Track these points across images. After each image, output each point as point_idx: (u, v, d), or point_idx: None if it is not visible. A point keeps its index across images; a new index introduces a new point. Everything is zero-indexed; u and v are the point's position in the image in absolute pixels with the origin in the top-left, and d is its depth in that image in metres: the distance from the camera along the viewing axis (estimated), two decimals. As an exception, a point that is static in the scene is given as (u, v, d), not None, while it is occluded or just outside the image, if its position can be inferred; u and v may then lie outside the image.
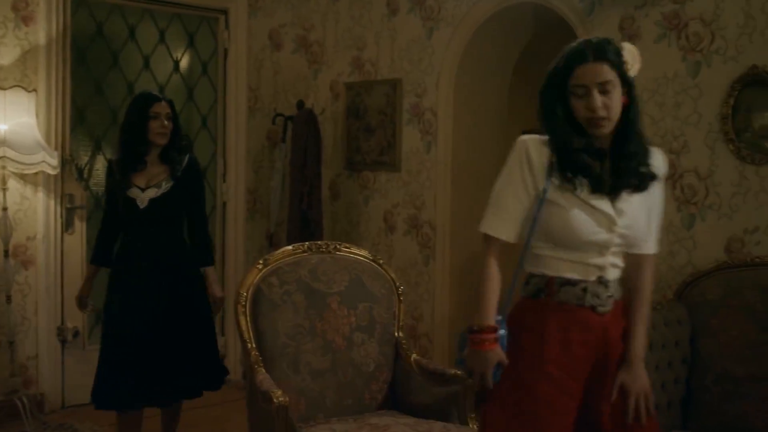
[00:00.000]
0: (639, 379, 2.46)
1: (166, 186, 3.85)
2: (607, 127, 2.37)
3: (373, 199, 5.66)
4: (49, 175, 4.86)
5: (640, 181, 2.41)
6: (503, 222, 2.59)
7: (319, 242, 3.79)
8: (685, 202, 4.07)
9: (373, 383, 3.62)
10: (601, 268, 2.41)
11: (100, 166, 5.31)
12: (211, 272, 4.06)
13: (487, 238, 2.64)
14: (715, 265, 3.60)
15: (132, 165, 3.85)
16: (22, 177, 4.82)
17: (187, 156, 3.97)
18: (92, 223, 5.14)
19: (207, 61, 5.78)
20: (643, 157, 2.42)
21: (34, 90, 4.82)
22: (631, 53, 2.35)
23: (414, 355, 3.66)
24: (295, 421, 3.28)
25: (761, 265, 3.45)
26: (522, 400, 2.41)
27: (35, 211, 4.93)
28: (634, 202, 2.42)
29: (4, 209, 4.62)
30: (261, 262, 3.61)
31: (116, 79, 5.38)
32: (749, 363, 3.20)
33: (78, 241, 5.15)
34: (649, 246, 2.52)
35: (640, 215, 2.44)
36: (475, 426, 3.38)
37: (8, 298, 4.71)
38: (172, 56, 5.63)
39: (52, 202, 4.98)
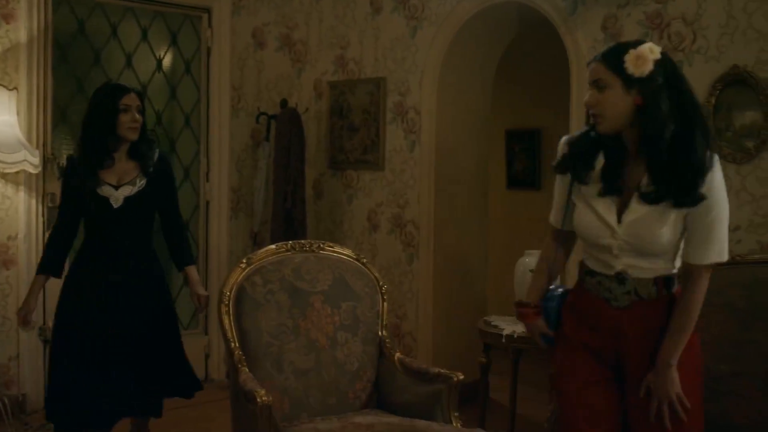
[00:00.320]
0: (663, 384, 2.45)
1: (140, 183, 3.60)
2: (603, 125, 2.44)
3: (356, 198, 5.66)
4: (30, 174, 4.82)
5: (679, 200, 2.39)
6: (553, 210, 2.75)
7: (302, 241, 3.78)
8: (667, 201, 4.09)
9: (356, 382, 3.61)
10: (615, 266, 2.49)
11: (82, 165, 5.28)
12: (193, 271, 3.86)
13: (549, 224, 2.80)
14: (697, 264, 3.61)
15: (99, 161, 3.55)
16: (3, 176, 4.79)
17: (157, 151, 3.71)
18: (74, 223, 5.11)
19: (190, 60, 5.75)
20: (694, 178, 2.36)
21: (15, 88, 4.78)
22: (633, 56, 2.38)
23: (398, 354, 3.66)
24: (279, 421, 3.27)
25: (742, 263, 3.47)
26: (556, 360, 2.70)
27: (17, 210, 4.89)
28: (645, 211, 2.43)
29: (-15, 208, 4.59)
30: (244, 261, 3.60)
31: (98, 78, 5.33)
32: (731, 361, 3.21)
33: (60, 241, 5.11)
34: (695, 254, 2.46)
35: (652, 225, 2.43)
36: (458, 424, 3.39)
37: (-11, 298, 4.67)
38: (154, 55, 5.61)
39: (33, 201, 4.94)
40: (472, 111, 5.47)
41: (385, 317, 3.77)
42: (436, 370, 3.48)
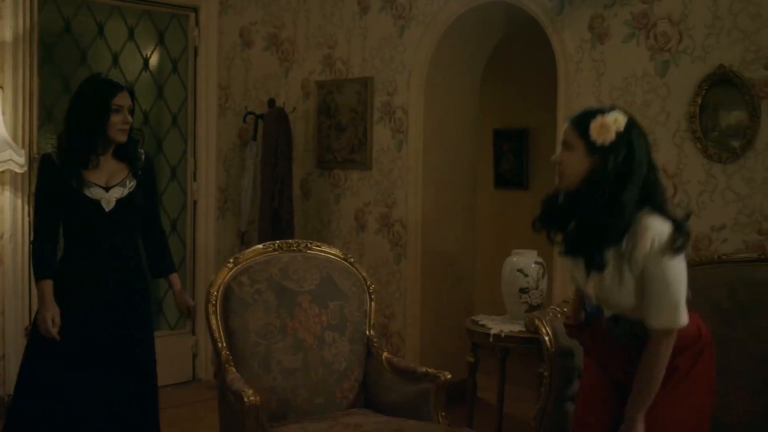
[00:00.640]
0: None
1: (130, 185, 3.34)
2: (563, 183, 2.64)
3: (344, 198, 5.65)
4: (16, 173, 4.80)
5: (588, 258, 2.60)
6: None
7: (289, 241, 3.78)
8: (653, 200, 4.11)
9: (344, 382, 3.61)
10: (605, 313, 2.69)
11: (69, 164, 5.26)
12: (176, 280, 3.61)
13: None
14: (683, 263, 3.63)
15: (84, 161, 3.26)
16: (-11, 175, 4.77)
17: (142, 151, 3.46)
18: (60, 222, 5.09)
19: (177, 59, 5.74)
20: (593, 233, 2.55)
21: (1, 87, 4.76)
22: (598, 124, 2.53)
23: (385, 354, 3.66)
24: (267, 421, 3.27)
25: (728, 262, 3.49)
26: None
27: (2, 209, 4.86)
28: (608, 277, 2.59)
29: (-30, 208, 4.56)
30: (231, 261, 3.59)
31: (85, 77, 5.30)
32: (716, 359, 3.23)
33: (46, 241, 5.09)
34: (649, 319, 2.55)
35: (612, 288, 2.59)
36: (446, 423, 3.39)
37: (-25, 299, 4.64)
38: (141, 54, 5.59)
39: (19, 201, 4.92)
40: (460, 110, 5.48)
41: (372, 317, 3.78)
42: (424, 369, 3.49)
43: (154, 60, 5.66)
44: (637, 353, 2.60)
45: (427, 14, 5.15)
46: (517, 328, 4.06)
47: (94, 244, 3.33)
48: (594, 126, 2.52)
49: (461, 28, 5.15)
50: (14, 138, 4.77)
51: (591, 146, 2.54)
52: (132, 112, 3.33)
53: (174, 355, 5.70)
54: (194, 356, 5.83)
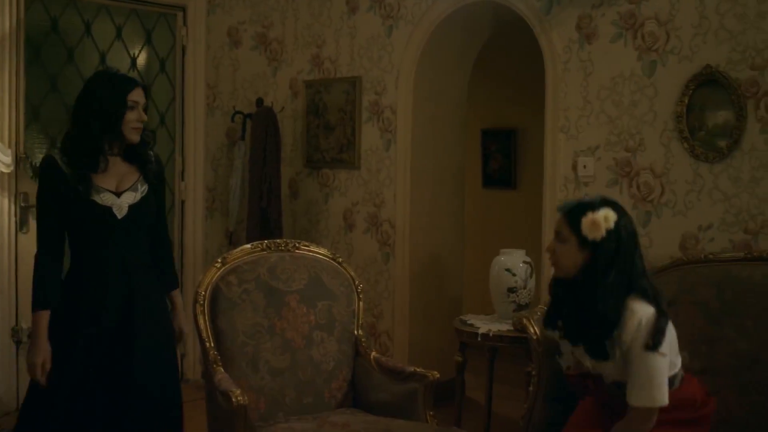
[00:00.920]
0: None
1: (142, 189, 3.05)
2: (556, 271, 2.84)
3: (332, 197, 5.65)
4: (2, 173, 4.77)
5: (590, 349, 2.77)
6: None
7: (277, 240, 3.78)
8: (641, 200, 4.13)
9: (332, 381, 3.61)
10: (605, 380, 2.84)
11: (56, 164, 5.23)
12: (179, 298, 3.30)
13: None
14: (670, 262, 3.65)
15: (93, 164, 2.95)
16: (-25, 175, 4.74)
17: (153, 152, 3.18)
18: (47, 222, 5.07)
19: (165, 58, 5.72)
20: (596, 327, 2.71)
21: (-13, 86, 4.73)
22: (590, 221, 2.70)
23: (373, 353, 3.66)
24: (255, 421, 3.27)
25: (714, 261, 3.51)
26: None
27: (-12, 209, 4.84)
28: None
29: (-44, 208, 4.53)
30: (219, 260, 3.59)
31: (72, 76, 5.29)
32: (703, 358, 3.24)
33: (32, 241, 5.04)
34: (629, 396, 2.71)
35: (608, 365, 2.76)
36: (434, 423, 3.40)
37: (-39, 299, 4.60)
38: (129, 53, 5.56)
39: (6, 201, 4.89)
40: (448, 110, 5.48)
41: (360, 316, 3.77)
42: (412, 368, 3.49)
43: (141, 59, 5.64)
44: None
45: (416, 14, 5.15)
46: (505, 327, 4.07)
47: (103, 255, 2.99)
48: (585, 223, 2.69)
49: (449, 27, 5.15)
50: (0, 138, 4.74)
51: (583, 241, 2.71)
52: (146, 109, 3.08)
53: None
54: (182, 356, 5.80)
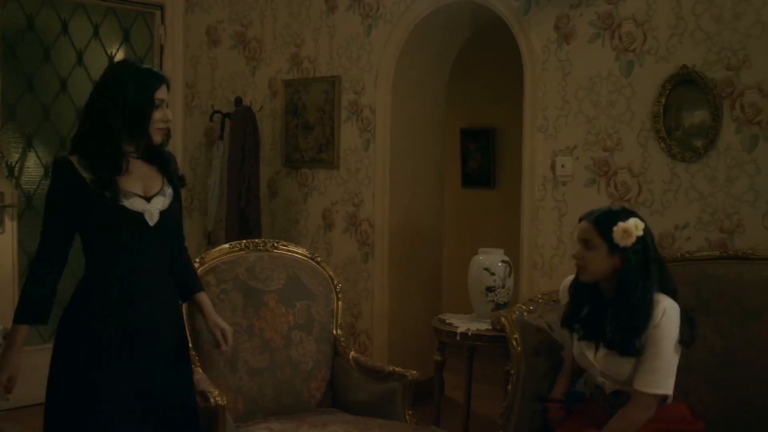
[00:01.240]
0: None
1: (168, 193, 2.80)
2: (584, 276, 2.99)
3: (311, 197, 5.64)
4: (-22, 172, 4.73)
5: (616, 344, 2.90)
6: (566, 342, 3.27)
7: (256, 240, 3.77)
8: (618, 200, 4.15)
9: (311, 381, 3.61)
10: (606, 389, 2.99)
11: (32, 163, 5.19)
12: (206, 300, 3.05)
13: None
14: (647, 261, 3.67)
15: (118, 165, 2.67)
16: (-50, 175, 4.68)
17: (169, 152, 2.93)
18: (24, 222, 5.03)
19: (143, 57, 5.68)
20: (634, 331, 2.86)
21: (-38, 85, 4.68)
22: (621, 230, 2.90)
23: (352, 353, 3.66)
24: (233, 421, 3.25)
25: (691, 260, 3.53)
26: None
27: (-36, 209, 4.79)
28: (615, 353, 2.92)
29: (-69, 208, 4.47)
30: (197, 260, 3.56)
31: (48, 75, 5.26)
32: (680, 357, 3.26)
33: (8, 241, 5.01)
34: (637, 381, 2.87)
35: (618, 361, 2.91)
36: (413, 422, 3.40)
37: (-65, 300, 4.54)
38: (106, 51, 5.53)
39: (-19, 201, 4.84)
40: (427, 110, 5.49)
41: (339, 316, 3.77)
42: (391, 368, 3.49)
43: (119, 58, 5.60)
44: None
45: (395, 13, 5.15)
46: (483, 326, 4.07)
47: (134, 265, 2.71)
48: (618, 231, 2.89)
49: (428, 27, 5.16)
50: (-24, 136, 4.70)
51: (613, 247, 2.91)
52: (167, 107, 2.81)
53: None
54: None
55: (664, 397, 2.88)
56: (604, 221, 2.94)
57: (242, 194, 5.48)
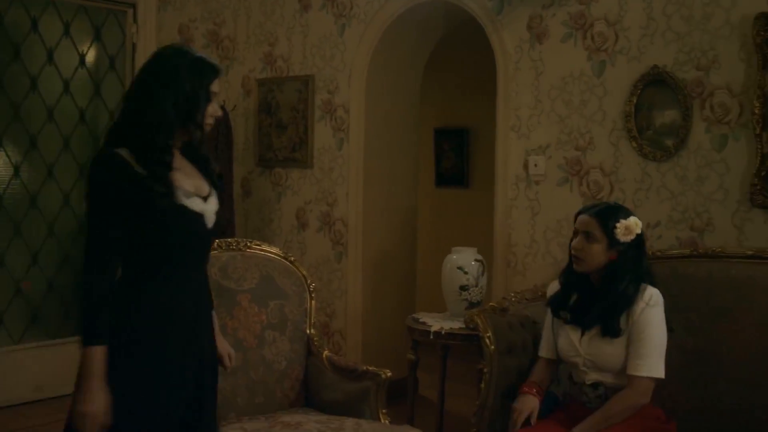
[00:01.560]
0: None
1: (215, 193, 2.53)
2: (581, 267, 3.07)
3: (285, 196, 5.63)
4: (-54, 171, 4.67)
5: (606, 329, 3.01)
6: (542, 342, 3.30)
7: (229, 240, 3.74)
8: (590, 198, 4.17)
9: (285, 381, 3.60)
10: (586, 381, 3.07)
11: (1, 163, 5.13)
12: (216, 319, 2.69)
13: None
14: (619, 259, 3.71)
15: (168, 160, 2.37)
16: None
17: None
18: (-7, 222, 4.98)
19: (114, 56, 5.64)
20: (618, 310, 3.00)
21: (-70, 83, 4.62)
22: (624, 227, 3.03)
23: (326, 352, 3.66)
24: (206, 421, 3.23)
25: (662, 258, 3.57)
26: None
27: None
28: (601, 334, 3.02)
29: None
30: (170, 260, 3.54)
31: (18, 73, 5.20)
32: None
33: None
34: (632, 366, 2.97)
35: (603, 344, 3.01)
36: (387, 421, 3.40)
37: None
38: (77, 50, 5.48)
39: (-51, 200, 4.78)
40: (401, 109, 5.49)
41: (313, 315, 3.76)
42: (364, 367, 3.49)
43: (90, 56, 5.56)
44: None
45: (368, 12, 5.15)
46: (457, 325, 4.08)
47: (185, 275, 2.43)
48: (621, 228, 3.02)
49: (402, 26, 5.16)
50: (-56, 135, 4.64)
51: (613, 242, 3.02)
52: None
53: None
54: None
55: (657, 381, 2.99)
56: (606, 216, 3.05)
57: (215, 194, 5.45)
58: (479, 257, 4.31)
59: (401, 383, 4.47)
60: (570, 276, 3.16)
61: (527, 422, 3.07)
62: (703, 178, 3.86)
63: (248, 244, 3.74)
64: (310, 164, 5.46)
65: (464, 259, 4.28)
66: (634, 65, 4.06)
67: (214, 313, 2.64)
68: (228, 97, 5.81)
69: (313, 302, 3.78)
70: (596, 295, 3.07)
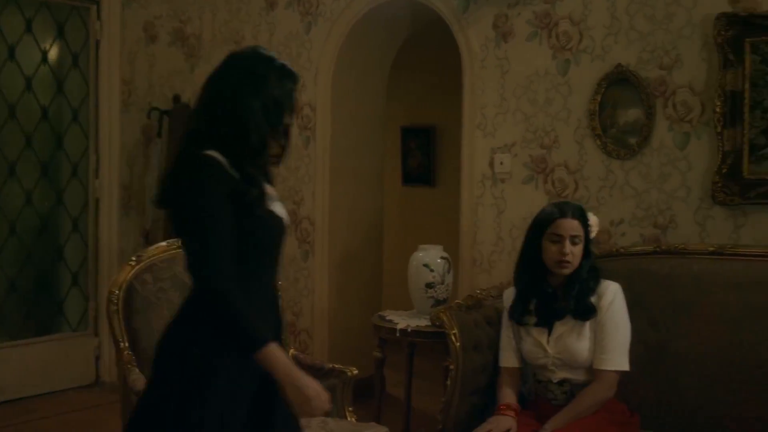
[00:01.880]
0: None
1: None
2: (568, 270, 3.07)
3: (251, 195, 5.59)
4: None
5: (579, 310, 3.06)
6: (501, 353, 3.29)
7: (195, 238, 3.71)
8: (555, 196, 4.20)
9: (251, 380, 3.57)
10: (553, 380, 3.11)
11: (-37, 161, 5.07)
12: None
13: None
14: (583, 256, 3.74)
15: (265, 166, 2.35)
16: None
17: None
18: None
19: (78, 53, 5.58)
20: (587, 292, 3.07)
21: None
22: (595, 223, 3.17)
23: (292, 350, 3.65)
24: (171, 421, 3.21)
25: (625, 255, 3.61)
26: None
27: None
28: (565, 329, 3.08)
29: None
30: (134, 258, 3.51)
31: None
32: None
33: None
34: (599, 361, 3.04)
35: (572, 340, 3.06)
36: (353, 419, 3.40)
37: None
38: (39, 47, 5.41)
39: None
40: (368, 108, 5.49)
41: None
42: (331, 365, 3.49)
43: (53, 53, 5.50)
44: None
45: (334, 11, 5.14)
46: (423, 322, 4.09)
47: (267, 283, 2.34)
48: (593, 224, 3.13)
49: (368, 25, 5.16)
50: None
51: (587, 240, 3.10)
52: None
53: (76, 357, 5.56)
54: (97, 358, 5.69)
55: (623, 374, 3.06)
56: (583, 216, 3.11)
57: (181, 192, 5.40)
58: (445, 255, 4.33)
59: (368, 381, 4.47)
60: (527, 282, 3.18)
61: None
62: (666, 175, 3.90)
63: (214, 242, 3.71)
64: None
65: (430, 256, 4.29)
66: (598, 64, 4.09)
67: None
68: (193, 96, 5.76)
69: (279, 301, 3.75)
70: (556, 294, 3.11)
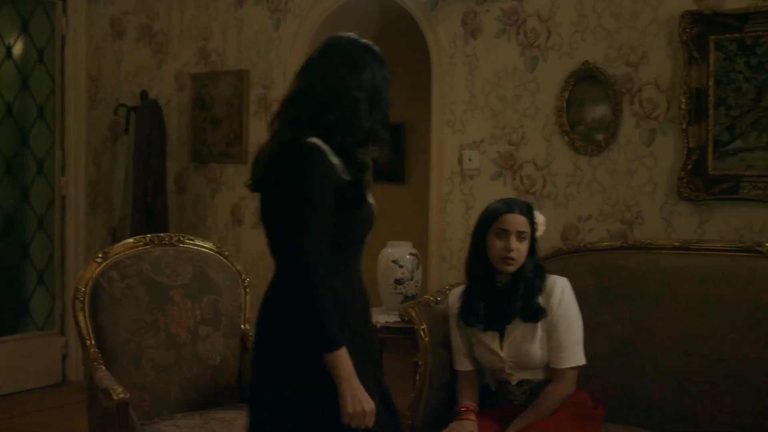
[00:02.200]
0: None
1: None
2: (514, 267, 3.03)
3: (220, 192, 5.57)
4: None
5: (527, 313, 3.03)
6: (455, 356, 3.26)
7: (161, 234, 3.70)
8: (524, 192, 4.23)
9: (219, 377, 3.56)
10: (512, 382, 3.10)
11: (-75, 157, 4.99)
12: None
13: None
14: (551, 252, 3.76)
15: (367, 155, 2.33)
16: None
17: None
18: None
19: (43, 48, 5.52)
20: (534, 292, 3.03)
21: None
22: (542, 221, 3.13)
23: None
24: (139, 418, 3.19)
25: (592, 250, 3.63)
26: None
27: None
28: (517, 332, 3.05)
29: None
30: (101, 255, 3.49)
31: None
32: (585, 344, 3.34)
33: None
34: (555, 360, 3.04)
35: (525, 342, 3.04)
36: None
37: None
38: (3, 42, 5.34)
39: None
40: (337, 104, 5.47)
41: (248, 311, 3.74)
42: (300, 361, 3.47)
43: (17, 49, 5.43)
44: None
45: (303, 7, 5.13)
46: (392, 318, 4.09)
47: (355, 270, 2.35)
48: (539, 222, 3.10)
49: (337, 21, 5.14)
50: None
51: (533, 236, 3.08)
52: None
53: (42, 356, 5.50)
54: (64, 357, 5.63)
55: (580, 368, 3.07)
56: (529, 212, 3.08)
57: (148, 190, 5.37)
58: (414, 251, 4.33)
59: (337, 378, 4.46)
60: (476, 278, 3.14)
61: None
62: (632, 171, 3.94)
63: (181, 238, 3.70)
64: (245, 160, 5.41)
65: (399, 253, 4.30)
66: (565, 61, 4.12)
67: None
68: (161, 92, 5.72)
69: (248, 297, 3.75)
70: (505, 293, 3.07)
